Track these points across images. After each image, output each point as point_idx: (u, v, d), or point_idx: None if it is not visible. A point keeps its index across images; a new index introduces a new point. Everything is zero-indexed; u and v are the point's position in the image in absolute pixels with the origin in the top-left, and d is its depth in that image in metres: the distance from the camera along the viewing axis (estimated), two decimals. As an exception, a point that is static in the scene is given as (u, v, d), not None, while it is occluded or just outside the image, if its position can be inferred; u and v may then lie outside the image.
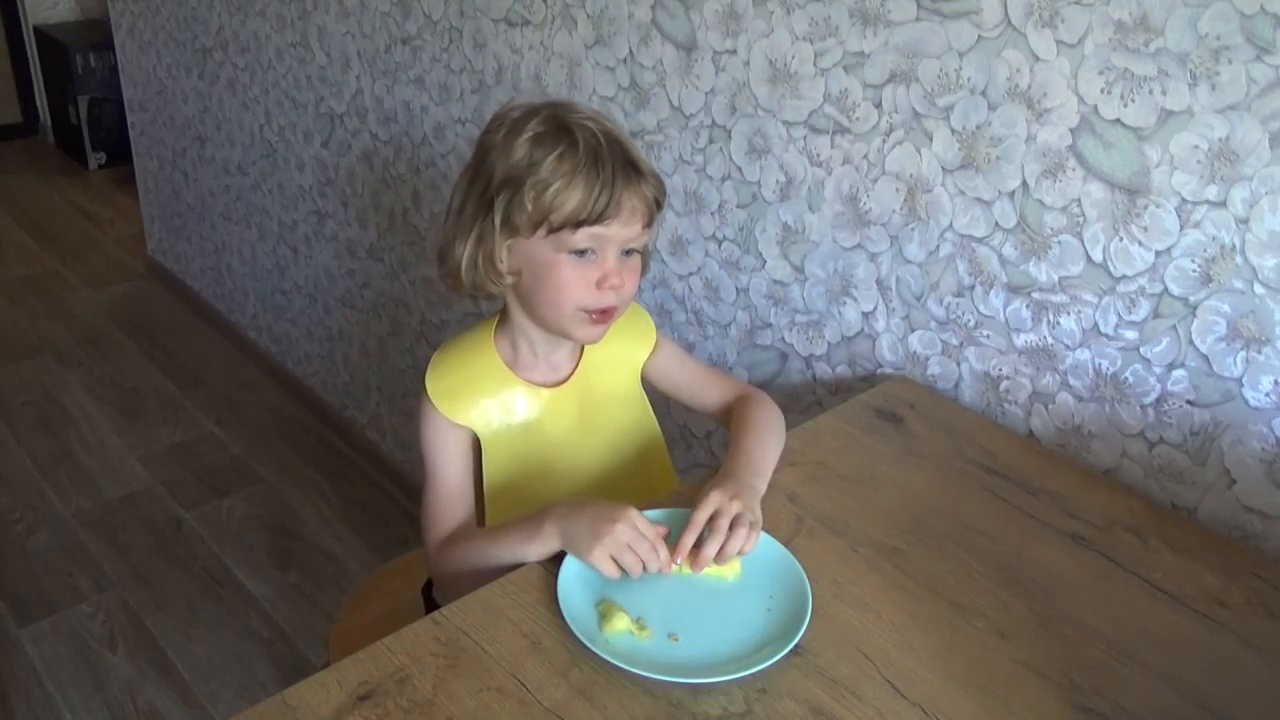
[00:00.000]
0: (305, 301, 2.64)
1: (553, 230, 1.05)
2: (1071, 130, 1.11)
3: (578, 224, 1.04)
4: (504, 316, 1.17)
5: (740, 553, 0.99)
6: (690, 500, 1.07)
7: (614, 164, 1.04)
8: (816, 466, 1.17)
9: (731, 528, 0.99)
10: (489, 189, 1.08)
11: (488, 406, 1.15)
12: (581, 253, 1.06)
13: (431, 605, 1.30)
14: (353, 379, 2.54)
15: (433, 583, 1.33)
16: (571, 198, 1.04)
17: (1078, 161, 1.11)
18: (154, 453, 2.58)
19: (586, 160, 1.04)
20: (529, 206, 1.05)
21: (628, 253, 1.09)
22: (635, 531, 0.97)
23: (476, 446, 1.16)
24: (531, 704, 0.85)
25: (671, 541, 1.01)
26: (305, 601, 2.14)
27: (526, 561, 1.01)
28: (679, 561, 0.98)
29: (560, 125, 1.06)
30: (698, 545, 0.99)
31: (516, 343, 1.17)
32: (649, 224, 1.09)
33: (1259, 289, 1.03)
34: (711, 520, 1.00)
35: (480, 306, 1.19)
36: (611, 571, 0.96)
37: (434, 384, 1.14)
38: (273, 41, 2.39)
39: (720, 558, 0.98)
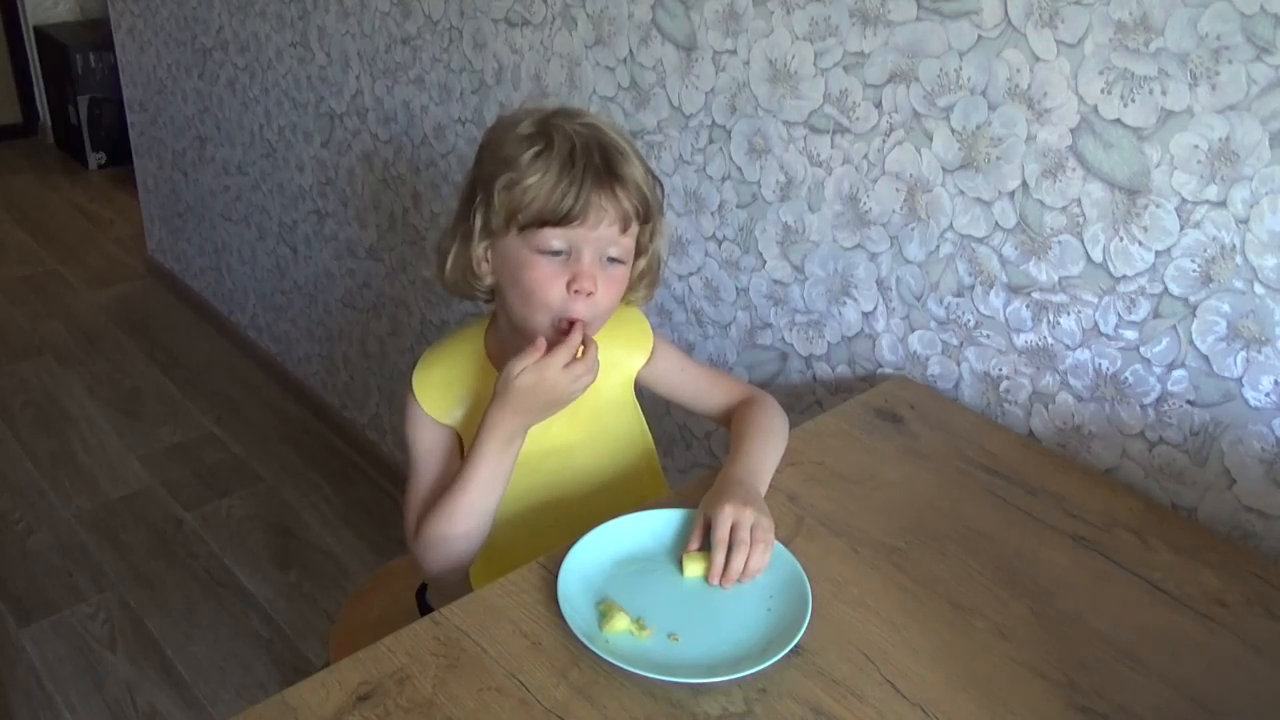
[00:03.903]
0: (305, 301, 2.64)
1: (522, 229, 1.05)
2: (1071, 130, 1.11)
3: (543, 223, 1.03)
4: (495, 318, 1.17)
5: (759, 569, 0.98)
6: (688, 501, 1.07)
7: (587, 167, 1.03)
8: (816, 466, 1.17)
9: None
10: (474, 188, 1.09)
11: (473, 408, 1.14)
12: (556, 253, 1.05)
13: (425, 609, 1.29)
14: (353, 379, 2.54)
15: (425, 584, 1.33)
16: (539, 196, 1.03)
17: (1078, 161, 1.11)
18: (154, 453, 2.58)
19: (559, 161, 1.03)
20: (498, 203, 1.05)
21: (611, 262, 1.07)
22: (557, 371, 1.03)
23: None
24: (531, 704, 0.85)
25: (674, 544, 1.02)
26: (305, 601, 2.14)
27: (505, 480, 1.08)
28: (715, 582, 0.98)
29: (546, 126, 1.06)
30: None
31: (505, 345, 1.15)
32: (625, 230, 1.06)
33: (1259, 289, 1.03)
34: (731, 532, 0.99)
35: (481, 307, 1.19)
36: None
37: (420, 381, 1.14)
38: (273, 41, 2.39)
39: (745, 576, 0.98)
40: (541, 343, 1.04)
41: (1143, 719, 0.87)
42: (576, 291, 1.04)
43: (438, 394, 1.14)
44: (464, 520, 1.07)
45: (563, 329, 1.05)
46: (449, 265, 1.11)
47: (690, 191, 1.53)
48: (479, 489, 1.07)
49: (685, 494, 1.10)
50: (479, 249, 1.09)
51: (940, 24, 1.18)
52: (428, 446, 1.14)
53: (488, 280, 1.11)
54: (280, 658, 2.01)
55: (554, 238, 1.04)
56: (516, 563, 1.01)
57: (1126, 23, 1.04)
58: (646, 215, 1.08)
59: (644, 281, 1.16)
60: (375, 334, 2.38)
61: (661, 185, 1.14)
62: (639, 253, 1.12)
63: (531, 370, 1.03)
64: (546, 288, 1.05)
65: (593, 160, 1.04)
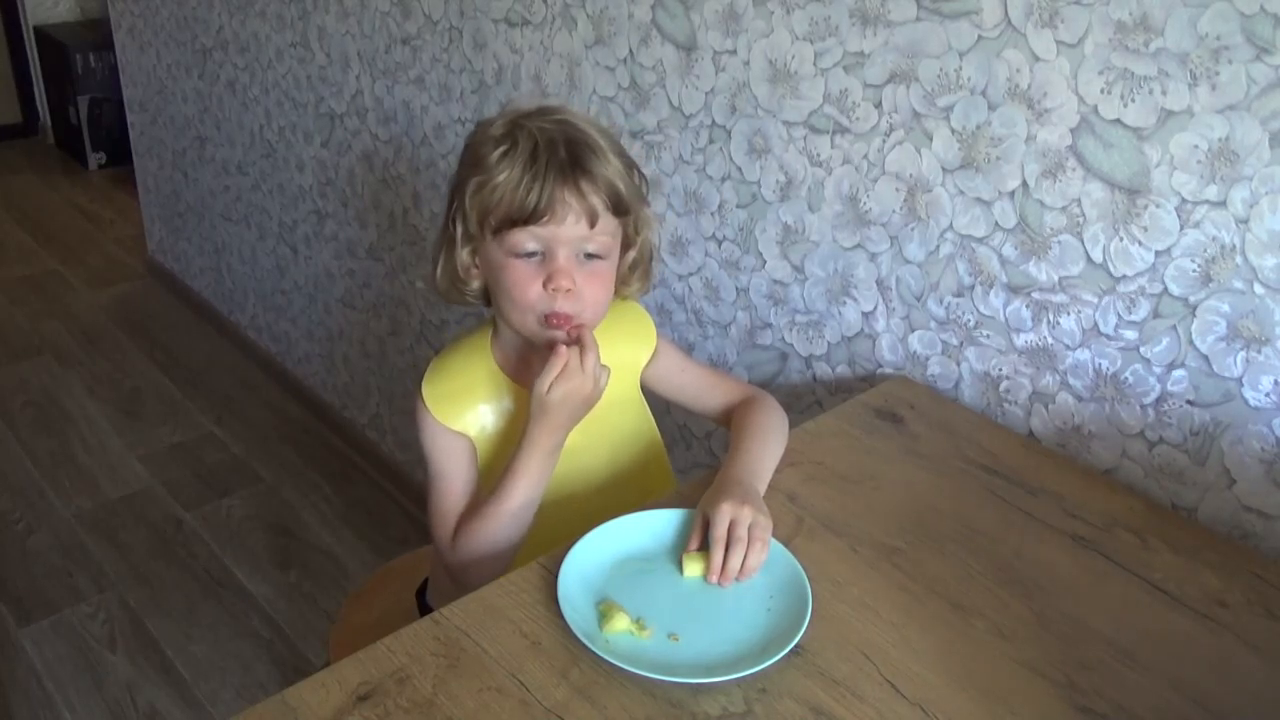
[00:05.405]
0: (305, 301, 2.64)
1: (495, 232, 1.05)
2: (1071, 130, 1.11)
3: (512, 223, 1.03)
4: (496, 322, 1.17)
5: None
6: (690, 500, 1.07)
7: (550, 162, 1.02)
8: (816, 466, 1.17)
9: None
10: (453, 194, 1.09)
11: (484, 412, 1.15)
12: (530, 254, 1.05)
13: (425, 609, 1.29)
14: (353, 379, 2.54)
15: (428, 585, 1.33)
16: (505, 196, 1.03)
17: (1078, 161, 1.11)
18: (154, 453, 2.58)
19: (523, 159, 1.03)
20: (470, 206, 1.05)
21: (590, 258, 1.07)
22: (581, 373, 1.05)
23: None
24: (531, 704, 0.85)
25: (674, 544, 1.02)
26: (305, 601, 2.14)
27: (544, 486, 1.09)
28: (714, 580, 0.98)
29: (514, 126, 1.06)
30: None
31: (510, 348, 1.16)
32: (594, 225, 1.05)
33: (1259, 289, 1.03)
34: (729, 530, 1.00)
35: (482, 308, 1.19)
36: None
37: (430, 389, 1.14)
38: (273, 41, 2.39)
39: (742, 574, 0.98)
40: (562, 350, 1.05)
41: (1143, 719, 0.87)
42: (554, 289, 1.04)
43: (449, 404, 1.14)
44: (507, 529, 1.09)
45: (554, 324, 1.06)
46: (439, 273, 1.12)
47: (690, 191, 1.53)
48: (522, 499, 1.09)
49: (685, 494, 1.10)
50: (464, 254, 1.10)
51: (940, 24, 1.18)
52: (448, 456, 1.14)
53: (475, 284, 1.12)
54: (280, 658, 2.01)
55: (527, 240, 1.04)
56: (525, 562, 1.01)
57: (1126, 23, 1.04)
58: (620, 209, 1.07)
59: (636, 274, 1.16)
60: (375, 334, 2.38)
61: (645, 177, 1.14)
62: (627, 245, 1.12)
63: (560, 382, 1.05)
64: (525, 289, 1.05)
65: (557, 156, 1.03)
